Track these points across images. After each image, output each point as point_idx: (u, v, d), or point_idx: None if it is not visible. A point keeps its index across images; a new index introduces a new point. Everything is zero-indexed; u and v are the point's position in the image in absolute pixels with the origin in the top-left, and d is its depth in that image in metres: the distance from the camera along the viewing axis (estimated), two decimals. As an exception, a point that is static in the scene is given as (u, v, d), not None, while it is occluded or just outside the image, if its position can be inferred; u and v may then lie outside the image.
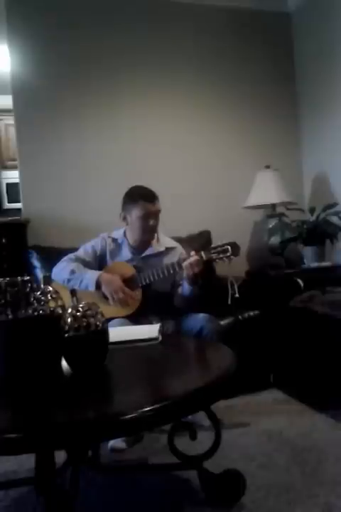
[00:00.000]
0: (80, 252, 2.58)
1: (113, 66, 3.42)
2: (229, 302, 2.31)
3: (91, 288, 2.40)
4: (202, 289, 2.44)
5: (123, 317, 2.31)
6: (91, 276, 2.43)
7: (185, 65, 3.57)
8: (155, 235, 2.60)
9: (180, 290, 2.48)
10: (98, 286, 2.41)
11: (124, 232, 2.60)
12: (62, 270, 2.50)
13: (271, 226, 3.42)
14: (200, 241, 3.15)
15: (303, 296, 2.75)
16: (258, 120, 3.75)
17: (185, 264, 2.29)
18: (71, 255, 2.56)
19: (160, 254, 2.57)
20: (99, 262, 2.57)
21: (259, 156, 3.61)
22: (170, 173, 3.43)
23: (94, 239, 2.63)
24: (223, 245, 2.25)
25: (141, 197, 2.48)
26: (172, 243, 2.65)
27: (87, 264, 2.52)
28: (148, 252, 2.56)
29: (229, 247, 2.23)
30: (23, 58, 3.24)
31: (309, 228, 3.29)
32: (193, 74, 3.59)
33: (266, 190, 3.41)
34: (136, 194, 2.51)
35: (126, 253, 2.57)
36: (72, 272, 2.46)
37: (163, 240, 2.63)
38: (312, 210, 3.38)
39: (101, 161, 3.38)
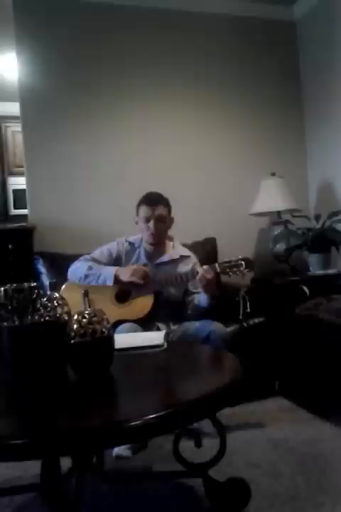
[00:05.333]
0: (96, 254, 2.62)
1: (121, 74, 3.44)
2: (241, 317, 2.33)
3: (110, 282, 2.43)
4: (218, 301, 2.46)
5: (132, 321, 2.32)
6: (110, 271, 2.46)
7: (191, 74, 3.59)
8: (166, 240, 2.64)
9: (196, 301, 2.50)
10: (116, 280, 2.43)
11: (141, 238, 2.63)
12: (78, 268, 2.53)
13: (276, 233, 3.42)
14: (206, 248, 3.16)
15: (309, 303, 2.74)
16: (263, 128, 3.76)
17: (198, 276, 2.31)
18: (87, 256, 2.60)
19: (174, 262, 2.59)
20: (114, 264, 2.58)
21: (265, 163, 3.61)
22: (176, 180, 3.44)
23: (110, 243, 2.67)
24: (237, 260, 2.29)
25: (144, 201, 2.56)
26: (187, 252, 2.68)
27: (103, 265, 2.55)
28: (162, 258, 2.59)
29: (243, 262, 2.27)
30: (31, 66, 3.27)
31: (314, 235, 3.28)
32: (200, 82, 3.60)
33: (272, 197, 3.41)
34: (142, 198, 2.58)
35: (141, 258, 2.60)
36: (90, 267, 2.49)
37: (178, 248, 2.67)
38: (317, 218, 3.38)
39: (108, 168, 3.39)
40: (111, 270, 2.46)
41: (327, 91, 3.62)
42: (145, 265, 2.54)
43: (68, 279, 2.55)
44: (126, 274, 2.42)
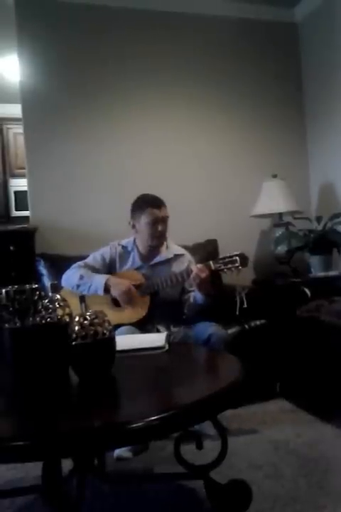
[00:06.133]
0: (89, 260, 2.61)
1: (122, 76, 3.44)
2: (237, 313, 2.32)
3: (100, 292, 2.42)
4: (215, 300, 2.46)
5: (131, 324, 2.33)
6: (100, 280, 2.45)
7: (193, 76, 3.59)
8: (164, 241, 2.63)
9: (191, 299, 2.50)
10: (106, 289, 2.43)
11: (134, 240, 2.63)
12: (71, 276, 2.53)
13: (277, 235, 3.42)
14: (207, 249, 3.16)
15: (310, 305, 2.74)
16: (265, 129, 3.76)
17: (192, 275, 2.31)
18: (80, 262, 2.59)
19: (168, 261, 2.59)
20: (108, 269, 2.59)
21: (266, 165, 3.62)
22: (177, 181, 3.45)
23: (103, 247, 2.66)
24: (232, 256, 2.27)
25: (148, 204, 2.52)
26: (181, 250, 2.68)
27: (96, 271, 2.55)
28: (157, 259, 2.59)
29: (237, 258, 2.25)
30: (33, 68, 3.27)
31: (316, 237, 3.28)
32: (201, 84, 3.61)
33: (273, 199, 3.41)
34: (143, 201, 2.55)
35: (135, 260, 2.59)
36: (81, 277, 2.49)
37: (172, 247, 2.66)
38: (319, 219, 3.38)
39: (109, 170, 3.40)
40: (102, 279, 2.45)
41: (328, 93, 3.62)
42: (138, 269, 2.54)
43: (62, 287, 2.54)
44: (115, 289, 2.42)
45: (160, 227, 2.50)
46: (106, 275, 2.49)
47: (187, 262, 2.57)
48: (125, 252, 2.62)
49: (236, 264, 2.25)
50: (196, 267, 2.30)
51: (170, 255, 2.61)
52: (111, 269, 2.59)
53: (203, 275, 2.27)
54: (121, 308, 2.46)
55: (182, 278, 2.41)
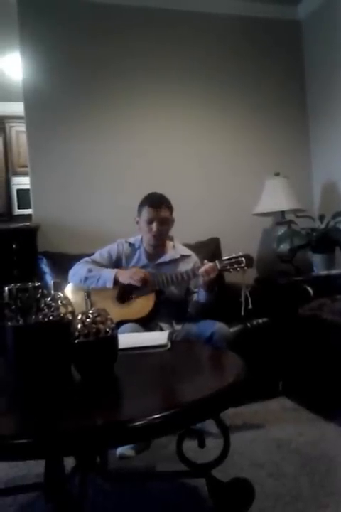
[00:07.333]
0: (96, 256, 2.63)
1: (124, 74, 3.44)
2: (243, 313, 2.33)
3: (109, 285, 2.44)
4: (216, 297, 2.46)
5: (134, 321, 2.33)
6: (109, 273, 2.48)
7: (195, 74, 3.59)
8: (166, 241, 2.64)
9: (195, 297, 2.52)
10: (115, 282, 2.44)
11: (141, 238, 2.64)
12: (78, 270, 2.55)
13: (280, 233, 3.42)
14: (209, 248, 3.16)
15: (312, 304, 2.74)
16: (268, 128, 3.75)
17: (200, 271, 2.33)
18: (87, 258, 2.61)
19: (174, 261, 2.60)
20: (114, 266, 2.60)
21: (269, 163, 3.61)
22: (179, 180, 3.44)
23: (110, 244, 2.67)
24: (237, 257, 2.29)
25: (148, 202, 2.55)
26: (187, 251, 2.69)
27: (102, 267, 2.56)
28: (163, 258, 2.60)
29: (243, 259, 2.28)
30: (35, 66, 3.27)
31: (318, 236, 3.28)
32: (204, 82, 3.60)
33: (276, 197, 3.40)
34: (146, 199, 2.58)
35: (141, 258, 2.60)
36: (89, 270, 2.51)
37: (178, 248, 2.67)
38: (321, 218, 3.37)
39: (112, 168, 3.40)
40: (111, 273, 2.47)
41: (331, 91, 3.61)
42: (143, 267, 2.55)
43: (69, 282, 2.56)
44: (124, 276, 2.44)
45: (155, 227, 2.51)
46: (114, 269, 2.51)
47: (193, 263, 2.57)
48: (132, 250, 2.63)
49: (242, 265, 2.27)
50: (206, 265, 2.31)
51: (177, 256, 2.62)
52: (117, 266, 2.60)
53: (212, 275, 2.29)
54: (125, 304, 2.46)
55: (187, 276, 2.42)
